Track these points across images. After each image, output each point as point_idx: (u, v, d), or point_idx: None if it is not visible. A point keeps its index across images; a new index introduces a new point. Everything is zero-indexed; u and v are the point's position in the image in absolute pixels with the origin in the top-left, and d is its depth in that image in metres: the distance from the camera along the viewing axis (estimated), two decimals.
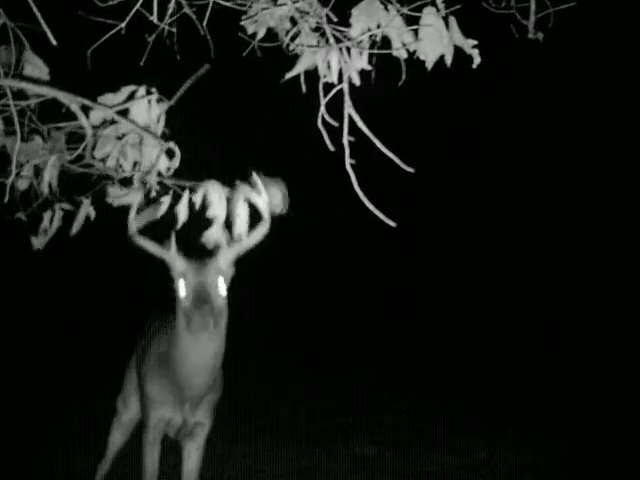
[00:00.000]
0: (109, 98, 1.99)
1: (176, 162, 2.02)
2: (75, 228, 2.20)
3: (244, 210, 1.74)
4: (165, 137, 2.04)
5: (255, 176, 1.97)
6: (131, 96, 2.01)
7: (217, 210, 1.78)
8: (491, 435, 5.02)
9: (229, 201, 1.79)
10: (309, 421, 5.44)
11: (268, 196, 1.75)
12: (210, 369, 2.86)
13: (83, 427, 4.61)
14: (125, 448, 3.66)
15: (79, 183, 2.21)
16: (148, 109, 2.00)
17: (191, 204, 1.92)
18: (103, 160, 2.06)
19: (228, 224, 1.92)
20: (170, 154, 2.02)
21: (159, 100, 2.02)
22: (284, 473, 4.53)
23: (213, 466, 4.37)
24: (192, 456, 3.23)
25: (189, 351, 2.79)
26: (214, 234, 1.78)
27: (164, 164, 2.00)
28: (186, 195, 1.90)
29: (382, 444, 4.99)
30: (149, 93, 2.02)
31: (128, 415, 3.53)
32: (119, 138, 2.01)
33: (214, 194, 1.79)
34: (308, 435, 5.15)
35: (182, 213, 1.97)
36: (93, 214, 2.23)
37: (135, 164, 2.06)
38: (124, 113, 1.99)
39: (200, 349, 2.78)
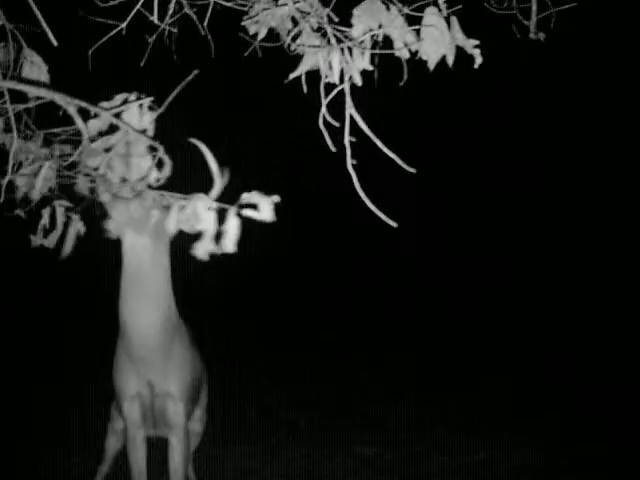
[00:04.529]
0: (104, 106, 1.99)
1: (166, 171, 2.02)
2: (67, 247, 2.21)
3: (234, 223, 1.74)
4: (154, 147, 2.03)
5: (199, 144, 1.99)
6: (124, 104, 2.01)
7: (206, 223, 1.79)
8: (491, 435, 5.02)
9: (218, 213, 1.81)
10: (308, 421, 5.43)
11: (258, 209, 1.76)
12: (153, 315, 2.87)
13: (83, 428, 4.61)
14: (125, 450, 3.67)
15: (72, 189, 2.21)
16: (140, 117, 1.99)
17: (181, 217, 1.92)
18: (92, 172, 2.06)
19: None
20: (159, 164, 2.02)
21: (150, 108, 2.02)
22: (283, 473, 4.53)
23: (212, 467, 4.37)
24: (175, 451, 3.20)
25: (128, 290, 2.83)
26: (203, 247, 1.78)
27: (153, 175, 2.01)
28: (175, 209, 1.91)
29: (382, 444, 4.98)
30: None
31: (121, 422, 3.53)
32: (107, 150, 2.00)
33: (202, 207, 1.79)
34: (307, 435, 5.15)
35: (171, 226, 1.96)
36: (83, 230, 2.25)
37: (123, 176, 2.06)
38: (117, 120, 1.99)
39: (139, 288, 2.82)
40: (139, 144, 1.98)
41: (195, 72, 1.96)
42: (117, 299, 2.89)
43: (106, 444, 3.66)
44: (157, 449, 3.42)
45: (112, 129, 1.97)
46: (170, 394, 3.07)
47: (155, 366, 3.00)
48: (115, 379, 3.11)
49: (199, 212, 1.80)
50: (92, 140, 1.96)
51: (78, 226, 2.20)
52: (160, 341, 2.94)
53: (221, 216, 1.79)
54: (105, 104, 2.00)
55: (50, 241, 2.17)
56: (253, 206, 1.73)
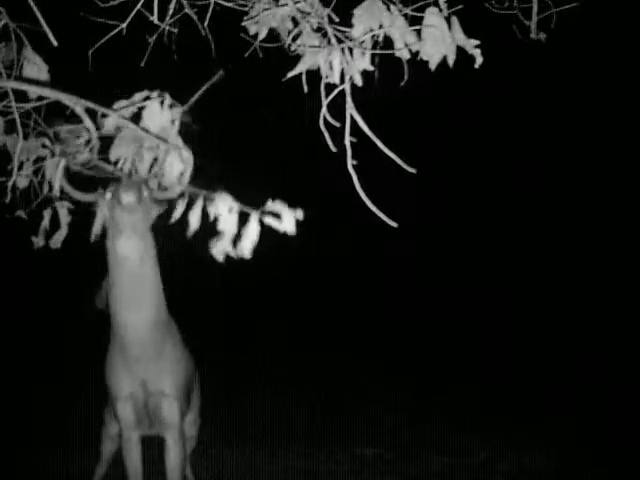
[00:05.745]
0: (123, 104, 1.99)
1: (189, 167, 2.01)
2: (95, 230, 2.21)
3: (254, 227, 1.73)
4: (184, 139, 2.03)
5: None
6: (144, 101, 2.01)
7: (226, 224, 1.77)
8: (491, 436, 5.02)
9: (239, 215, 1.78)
10: (309, 422, 5.43)
11: (281, 220, 1.73)
12: (146, 311, 2.86)
13: (82, 428, 4.60)
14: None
15: (88, 184, 2.22)
16: (160, 114, 1.99)
17: (204, 213, 1.89)
18: (116, 163, 2.06)
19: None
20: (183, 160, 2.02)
21: (172, 105, 2.01)
22: (284, 474, 4.53)
23: (212, 467, 4.37)
24: (171, 451, 3.19)
25: (121, 284, 2.80)
26: (222, 247, 1.77)
27: (178, 169, 1.99)
28: (199, 203, 1.88)
29: (382, 444, 4.98)
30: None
31: (115, 426, 3.51)
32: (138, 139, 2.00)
33: (224, 206, 1.77)
34: (308, 436, 5.14)
35: (194, 221, 1.92)
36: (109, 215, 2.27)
37: (151, 167, 2.06)
38: (137, 117, 1.99)
39: (130, 280, 2.79)
40: (170, 138, 1.98)
41: (220, 73, 1.96)
42: (109, 296, 2.88)
43: (102, 448, 3.65)
44: (154, 449, 3.41)
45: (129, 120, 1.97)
46: (164, 393, 3.05)
47: (148, 364, 2.98)
48: (108, 380, 3.09)
49: (220, 212, 1.78)
50: (104, 137, 1.97)
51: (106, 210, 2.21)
52: (153, 338, 2.92)
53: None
54: (124, 102, 2.00)
55: (55, 241, 2.16)
56: (276, 215, 1.72)
